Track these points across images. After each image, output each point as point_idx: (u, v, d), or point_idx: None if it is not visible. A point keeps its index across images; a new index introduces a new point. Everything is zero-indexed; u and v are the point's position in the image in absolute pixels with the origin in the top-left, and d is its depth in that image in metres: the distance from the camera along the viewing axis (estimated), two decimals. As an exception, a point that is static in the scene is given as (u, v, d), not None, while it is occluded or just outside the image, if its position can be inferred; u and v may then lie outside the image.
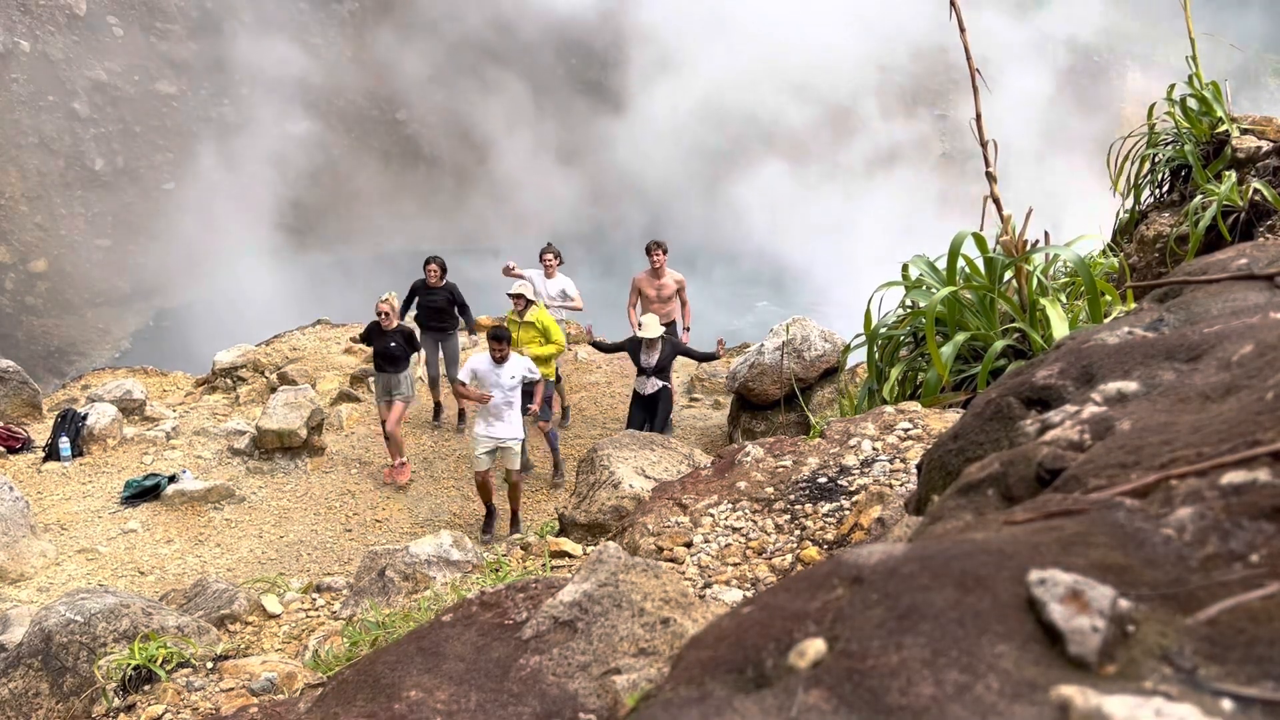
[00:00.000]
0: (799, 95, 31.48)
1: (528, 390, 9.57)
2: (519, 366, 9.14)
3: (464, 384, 9.35)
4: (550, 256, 11.40)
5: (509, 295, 10.34)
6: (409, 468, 10.83)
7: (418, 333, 11.07)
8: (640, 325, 10.27)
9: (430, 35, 32.46)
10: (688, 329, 11.34)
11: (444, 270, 11.45)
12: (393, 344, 10.38)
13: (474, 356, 9.41)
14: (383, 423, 10.72)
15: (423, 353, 11.02)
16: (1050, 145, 29.00)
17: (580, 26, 31.80)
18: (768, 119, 31.90)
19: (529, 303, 10.22)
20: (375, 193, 31.14)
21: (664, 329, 10.31)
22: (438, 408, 11.99)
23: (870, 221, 28.36)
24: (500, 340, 9.02)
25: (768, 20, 30.16)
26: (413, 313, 11.70)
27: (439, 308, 11.49)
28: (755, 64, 30.70)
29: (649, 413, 10.30)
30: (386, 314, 10.38)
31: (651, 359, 10.06)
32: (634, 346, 10.20)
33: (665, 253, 11.13)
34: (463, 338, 11.95)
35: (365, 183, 31.14)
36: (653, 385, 10.17)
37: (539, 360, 10.10)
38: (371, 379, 13.17)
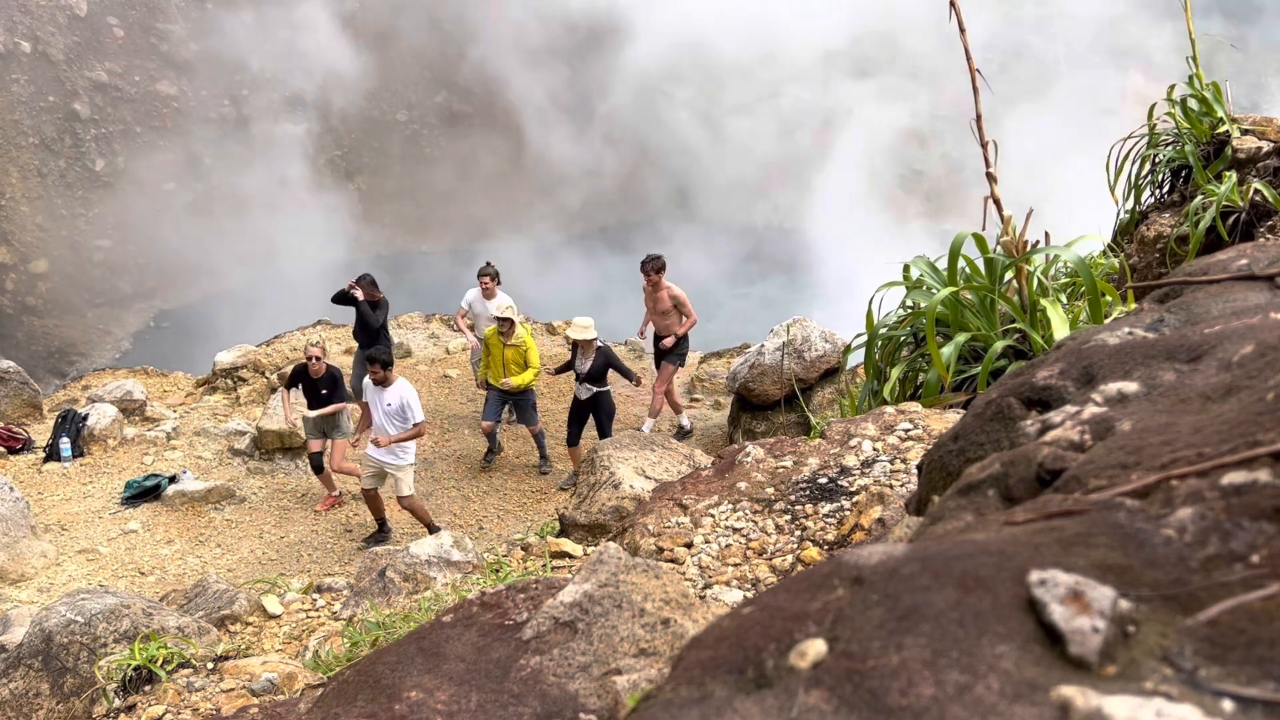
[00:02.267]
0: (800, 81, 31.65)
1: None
2: (396, 395, 8.92)
3: (364, 403, 9.27)
4: (487, 279, 11.27)
5: (499, 320, 10.28)
6: (335, 500, 10.41)
7: (346, 377, 10.65)
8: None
9: (429, 34, 32.48)
10: (677, 336, 11.11)
11: (374, 285, 11.40)
12: (323, 390, 9.95)
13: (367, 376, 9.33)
14: (314, 455, 10.22)
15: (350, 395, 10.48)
16: (1050, 145, 29.01)
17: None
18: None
19: (512, 324, 10.18)
20: (375, 193, 31.16)
21: (595, 339, 10.11)
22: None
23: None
24: (373, 363, 8.86)
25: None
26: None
27: (368, 325, 11.38)
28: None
29: (582, 418, 10.33)
30: (317, 358, 9.92)
31: (584, 365, 10.07)
32: (572, 352, 10.25)
33: (658, 271, 10.90)
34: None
35: (365, 182, 31.16)
36: (585, 391, 10.16)
37: (520, 382, 10.20)
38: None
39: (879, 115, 31.13)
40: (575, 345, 10.15)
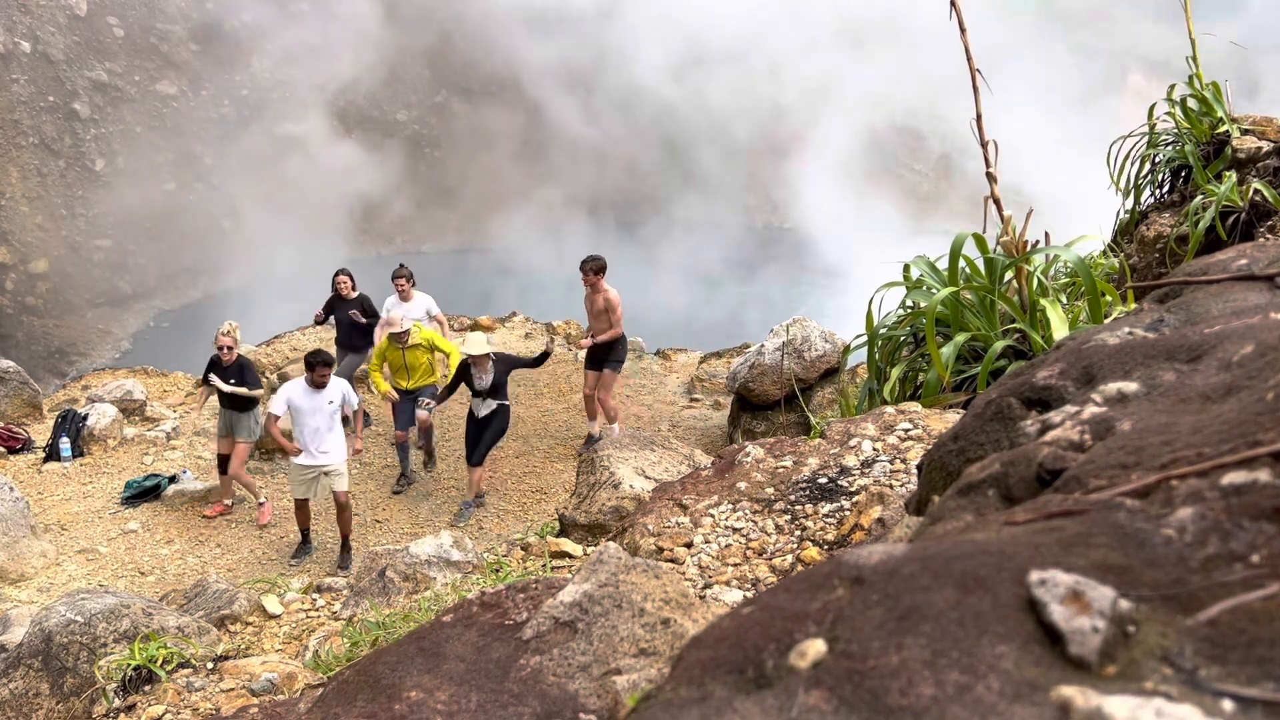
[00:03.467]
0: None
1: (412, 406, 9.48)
2: (336, 391, 8.74)
3: (276, 418, 8.80)
4: (402, 280, 10.97)
5: (391, 336, 10.09)
6: (269, 508, 10.05)
7: (290, 379, 10.29)
8: (465, 341, 9.84)
9: (428, 34, 32.48)
10: (596, 341, 10.58)
11: (353, 282, 11.15)
12: (230, 381, 9.54)
13: (286, 386, 8.90)
14: (222, 458, 9.93)
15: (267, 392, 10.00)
16: (1050, 146, 28.99)
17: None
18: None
19: (408, 334, 9.98)
20: (374, 193, 31.16)
21: (488, 353, 9.49)
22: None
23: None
24: (325, 365, 8.60)
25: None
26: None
27: (350, 321, 11.15)
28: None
29: (480, 436, 9.83)
30: (229, 348, 9.51)
31: (485, 380, 9.50)
32: (464, 371, 9.64)
33: (596, 272, 10.36)
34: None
35: (365, 182, 31.17)
36: (487, 407, 9.65)
37: (428, 374, 10.11)
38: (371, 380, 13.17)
39: (881, 107, 31.17)
40: (466, 365, 9.54)
